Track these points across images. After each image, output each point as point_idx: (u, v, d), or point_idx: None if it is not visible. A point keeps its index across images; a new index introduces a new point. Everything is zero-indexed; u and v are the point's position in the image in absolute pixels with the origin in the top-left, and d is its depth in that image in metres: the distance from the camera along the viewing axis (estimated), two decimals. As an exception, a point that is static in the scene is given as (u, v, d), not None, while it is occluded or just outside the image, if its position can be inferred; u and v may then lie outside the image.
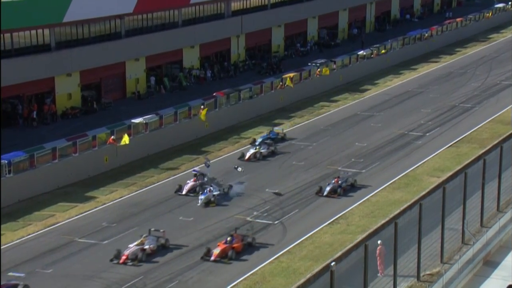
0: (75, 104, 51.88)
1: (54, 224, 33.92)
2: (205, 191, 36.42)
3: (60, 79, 50.96)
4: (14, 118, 48.79)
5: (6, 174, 36.60)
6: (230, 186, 37.41)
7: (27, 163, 37.86)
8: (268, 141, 44.92)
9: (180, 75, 60.20)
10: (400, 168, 41.28)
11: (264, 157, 43.18)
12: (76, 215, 35.14)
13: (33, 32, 49.65)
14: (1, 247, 30.32)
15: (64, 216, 34.96)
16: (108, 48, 54.18)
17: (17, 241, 32.30)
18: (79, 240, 32.33)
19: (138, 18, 57.44)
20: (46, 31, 50.44)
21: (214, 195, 36.12)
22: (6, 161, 36.80)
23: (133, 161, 41.93)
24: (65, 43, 51.82)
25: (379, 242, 25.97)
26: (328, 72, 59.61)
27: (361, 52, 67.29)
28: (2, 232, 32.81)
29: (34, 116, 48.99)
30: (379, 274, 25.86)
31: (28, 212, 35.32)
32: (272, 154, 43.64)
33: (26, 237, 32.70)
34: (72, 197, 37.33)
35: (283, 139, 46.79)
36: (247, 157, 42.78)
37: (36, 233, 33.11)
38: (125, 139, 41.00)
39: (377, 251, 25.89)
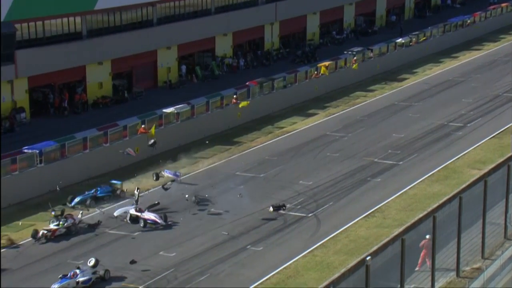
0: (106, 93, 52.27)
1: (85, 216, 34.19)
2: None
3: (91, 68, 51.37)
4: (45, 107, 49.37)
5: (37, 164, 37.07)
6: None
7: (58, 153, 38.28)
8: (88, 201, 35.06)
9: (212, 64, 60.24)
10: (439, 160, 40.81)
11: (55, 237, 31.75)
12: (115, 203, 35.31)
13: (65, 20, 50.06)
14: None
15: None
16: (140, 36, 54.42)
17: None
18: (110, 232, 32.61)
19: (170, 5, 57.56)
20: (78, 19, 50.83)
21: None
22: (38, 151, 37.27)
23: (164, 152, 42.08)
24: (97, 31, 52.16)
25: (427, 236, 25.55)
26: (356, 67, 58.38)
27: (399, 40, 66.57)
28: (32, 222, 33.31)
29: (65, 105, 49.53)
30: (416, 268, 25.55)
31: (61, 202, 35.58)
32: (68, 232, 32.08)
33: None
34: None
35: (119, 196, 35.96)
36: (40, 233, 31.59)
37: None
38: (152, 131, 41.16)
39: (423, 243, 25.49)
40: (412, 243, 25.56)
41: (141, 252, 30.38)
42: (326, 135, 46.19)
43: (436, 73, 62.48)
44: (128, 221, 33.07)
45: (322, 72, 54.85)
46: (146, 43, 54.72)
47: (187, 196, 35.50)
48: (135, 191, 34.28)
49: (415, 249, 25.52)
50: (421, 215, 31.57)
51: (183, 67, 58.69)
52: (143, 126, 41.95)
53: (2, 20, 44.49)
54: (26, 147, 37.69)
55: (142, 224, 32.66)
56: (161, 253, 30.33)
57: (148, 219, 32.72)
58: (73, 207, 34.63)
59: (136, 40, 53.87)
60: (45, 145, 38.05)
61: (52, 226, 31.86)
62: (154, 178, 37.69)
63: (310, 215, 34.02)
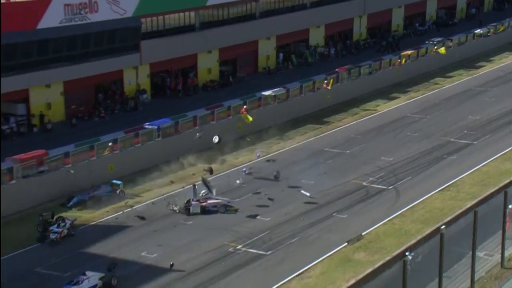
0: (214, 77, 52.86)
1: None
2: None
3: (202, 56, 52.05)
4: (163, 90, 50.46)
5: (155, 138, 37.99)
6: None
7: (173, 129, 39.10)
8: (86, 201, 31.78)
9: (306, 52, 59.81)
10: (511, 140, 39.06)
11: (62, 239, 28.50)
12: (214, 175, 35.74)
13: (181, 14, 50.85)
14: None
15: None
16: (244, 28, 54.62)
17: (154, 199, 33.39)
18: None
19: (271, 0, 57.41)
20: (192, 14, 51.50)
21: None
22: (156, 127, 38.19)
23: (261, 130, 42.13)
24: (208, 24, 52.69)
25: (510, 206, 24.48)
26: (444, 51, 56.90)
27: (478, 31, 63.85)
28: (147, 188, 33.95)
29: (180, 88, 50.45)
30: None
31: (175, 171, 36.17)
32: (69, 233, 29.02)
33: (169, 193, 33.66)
34: (210, 159, 37.74)
35: (119, 195, 32.61)
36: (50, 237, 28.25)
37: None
38: (249, 118, 41.20)
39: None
40: (484, 215, 24.65)
41: (240, 217, 30.66)
42: (407, 116, 45.04)
43: (511, 61, 59.57)
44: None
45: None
46: (249, 34, 54.86)
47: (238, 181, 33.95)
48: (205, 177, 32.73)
49: (486, 220, 24.60)
50: (493, 190, 30.40)
51: (281, 55, 58.56)
52: (244, 106, 42.14)
53: (131, 15, 45.71)
54: (146, 123, 38.67)
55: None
56: (258, 217, 30.57)
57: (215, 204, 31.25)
58: (70, 208, 31.42)
59: (240, 32, 54.09)
60: (162, 122, 38.93)
61: (57, 229, 28.48)
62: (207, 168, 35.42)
63: (390, 188, 33.38)
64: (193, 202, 30.95)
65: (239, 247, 27.74)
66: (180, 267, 26.15)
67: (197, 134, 37.80)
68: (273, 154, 38.88)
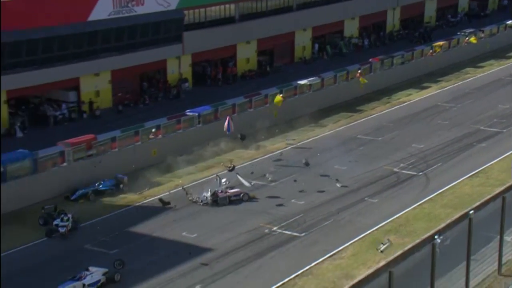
0: (252, 67, 52.69)
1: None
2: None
3: (240, 46, 51.91)
4: (204, 79, 50.55)
5: (196, 124, 38.11)
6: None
7: (212, 116, 39.15)
8: (89, 195, 30.75)
9: (340, 43, 59.11)
10: (541, 129, 38.07)
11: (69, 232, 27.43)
12: (249, 160, 35.74)
13: (222, 7, 50.76)
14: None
15: (239, 161, 35.77)
16: (281, 20, 54.22)
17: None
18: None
19: (306, -7, 56.97)
20: (232, 6, 51.35)
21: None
22: (197, 114, 38.30)
23: (297, 117, 41.91)
24: (247, 16, 52.52)
25: None
26: (475, 41, 55.73)
27: (509, 22, 62.12)
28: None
29: (219, 77, 50.46)
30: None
31: (213, 156, 36.31)
32: (74, 226, 28.02)
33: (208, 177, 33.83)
34: (246, 145, 37.74)
35: (122, 190, 31.59)
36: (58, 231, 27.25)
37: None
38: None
39: None
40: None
41: (277, 199, 30.63)
42: (438, 105, 44.23)
43: (542, 52, 58.02)
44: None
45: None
46: (286, 26, 54.47)
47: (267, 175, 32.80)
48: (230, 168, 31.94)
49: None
50: (521, 177, 29.77)
51: (316, 46, 58.01)
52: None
53: (174, 7, 45.83)
54: (188, 110, 38.84)
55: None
56: (292, 200, 30.47)
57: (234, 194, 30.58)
58: (74, 201, 30.57)
59: (278, 23, 53.73)
60: (203, 109, 39.03)
61: (62, 223, 27.51)
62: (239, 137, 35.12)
63: (420, 173, 32.87)
64: (219, 193, 30.33)
65: (274, 228, 27.71)
66: (218, 247, 26.26)
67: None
68: (307, 141, 38.65)
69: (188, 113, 38.40)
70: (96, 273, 23.44)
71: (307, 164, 33.97)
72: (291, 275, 23.88)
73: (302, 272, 24.06)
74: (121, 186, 31.98)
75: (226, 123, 36.13)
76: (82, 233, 27.90)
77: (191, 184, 32.43)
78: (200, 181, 32.86)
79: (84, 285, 22.96)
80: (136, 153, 34.96)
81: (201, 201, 30.19)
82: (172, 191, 31.71)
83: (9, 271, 24.66)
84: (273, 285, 23.32)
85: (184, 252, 25.96)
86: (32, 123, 39.36)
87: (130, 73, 44.70)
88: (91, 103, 42.32)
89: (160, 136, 36.20)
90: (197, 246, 26.40)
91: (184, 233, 27.57)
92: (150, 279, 24.01)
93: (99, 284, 23.31)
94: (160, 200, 30.38)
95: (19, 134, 37.97)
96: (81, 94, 42.20)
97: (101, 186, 31.51)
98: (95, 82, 42.77)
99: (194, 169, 34.60)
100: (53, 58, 39.46)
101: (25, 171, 30.86)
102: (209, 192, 30.38)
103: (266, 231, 27.54)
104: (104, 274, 23.57)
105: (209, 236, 27.20)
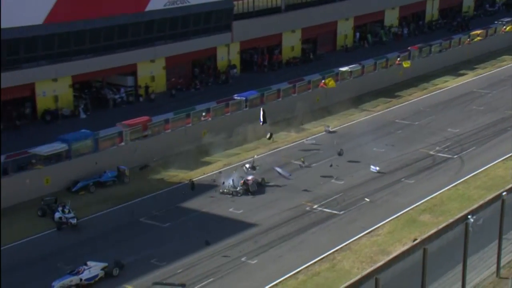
0: (296, 54, 52.39)
1: (275, 149, 34.73)
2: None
3: (286, 35, 51.64)
4: (251, 65, 50.52)
5: (244, 108, 38.24)
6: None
7: (259, 100, 39.20)
8: (91, 187, 29.35)
9: (381, 32, 58.15)
10: None
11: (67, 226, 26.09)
12: (294, 142, 35.69)
13: (270, -3, 50.69)
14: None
15: (283, 143, 35.79)
16: (324, 10, 53.61)
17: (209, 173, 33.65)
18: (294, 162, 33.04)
19: (348, -15, 56.07)
20: (279, -4, 51.21)
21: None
22: (244, 98, 38.43)
23: (338, 102, 41.60)
24: (292, 6, 52.10)
25: None
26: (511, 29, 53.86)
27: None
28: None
29: (265, 63, 50.39)
30: None
31: (259, 138, 36.25)
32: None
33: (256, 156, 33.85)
34: (289, 128, 37.58)
35: (124, 181, 30.46)
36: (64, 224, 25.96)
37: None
38: (332, 83, 40.69)
39: None
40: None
41: (315, 179, 30.60)
42: (473, 91, 43.17)
43: None
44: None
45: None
46: (329, 16, 53.85)
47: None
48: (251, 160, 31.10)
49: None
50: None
51: (357, 35, 57.23)
52: (323, 81, 41.66)
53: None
54: (236, 95, 39.00)
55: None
56: (332, 181, 30.39)
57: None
58: (75, 192, 29.14)
59: (321, 13, 53.17)
60: (250, 94, 39.11)
61: (66, 216, 26.24)
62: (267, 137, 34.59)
63: (455, 156, 32.28)
64: (248, 181, 29.10)
65: (315, 206, 27.75)
66: (263, 222, 26.47)
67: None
68: (347, 124, 38.37)
69: (236, 98, 38.58)
70: (94, 268, 22.32)
71: (340, 154, 32.90)
72: (330, 250, 23.92)
73: (341, 247, 24.10)
74: (125, 180, 30.51)
75: (261, 114, 35.37)
76: (137, 208, 28.45)
77: (237, 164, 32.59)
78: (245, 161, 32.86)
79: (81, 279, 21.89)
80: (187, 134, 35.39)
81: (231, 192, 28.95)
82: (222, 170, 31.97)
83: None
84: (313, 259, 23.39)
85: (232, 226, 26.26)
86: (94, 106, 40.27)
87: (183, 60, 45.13)
88: (147, 87, 42.97)
89: (209, 118, 36.55)
90: (243, 222, 26.65)
91: (231, 209, 27.88)
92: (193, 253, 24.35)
93: (96, 278, 22.23)
94: (191, 181, 29.34)
95: (83, 115, 38.93)
96: (138, 79, 42.87)
97: (102, 178, 30.35)
98: (151, 68, 43.37)
99: (240, 149, 34.75)
100: (113, 45, 40.20)
101: (88, 149, 31.68)
102: (231, 181, 29.13)
103: (308, 208, 27.61)
104: (103, 269, 22.46)
105: (254, 212, 27.43)
